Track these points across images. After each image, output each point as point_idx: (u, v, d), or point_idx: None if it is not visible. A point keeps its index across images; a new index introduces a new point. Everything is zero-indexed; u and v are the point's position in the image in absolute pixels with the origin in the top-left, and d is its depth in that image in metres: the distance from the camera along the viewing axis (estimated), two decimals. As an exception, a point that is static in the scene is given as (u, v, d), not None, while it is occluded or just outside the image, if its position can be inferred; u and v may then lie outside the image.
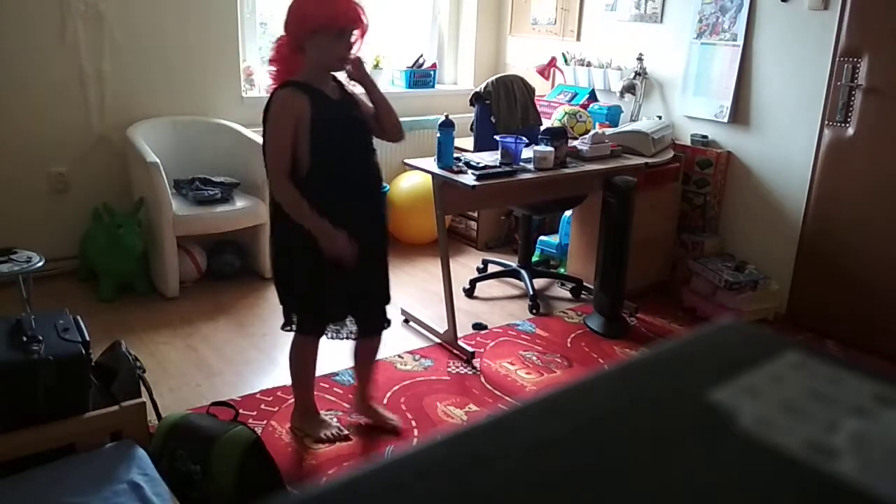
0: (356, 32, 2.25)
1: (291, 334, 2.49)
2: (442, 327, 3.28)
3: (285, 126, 2.17)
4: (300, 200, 2.19)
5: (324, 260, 2.25)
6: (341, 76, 2.38)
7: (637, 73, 4.15)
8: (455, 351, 3.21)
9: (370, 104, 2.41)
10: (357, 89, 2.42)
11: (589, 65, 4.48)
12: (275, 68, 2.30)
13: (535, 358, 3.22)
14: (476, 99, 3.89)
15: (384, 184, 2.56)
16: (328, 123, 2.22)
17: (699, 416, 0.35)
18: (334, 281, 2.31)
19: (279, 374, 2.96)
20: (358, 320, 2.49)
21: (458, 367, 3.10)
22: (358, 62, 2.31)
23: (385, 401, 2.80)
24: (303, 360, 2.52)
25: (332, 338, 2.50)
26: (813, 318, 3.56)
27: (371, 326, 2.55)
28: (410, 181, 4.43)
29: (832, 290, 3.47)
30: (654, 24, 4.12)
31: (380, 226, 2.50)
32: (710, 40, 3.85)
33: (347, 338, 2.53)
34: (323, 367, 3.00)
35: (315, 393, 2.64)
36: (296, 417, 2.59)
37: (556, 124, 3.90)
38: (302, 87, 2.20)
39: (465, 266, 4.25)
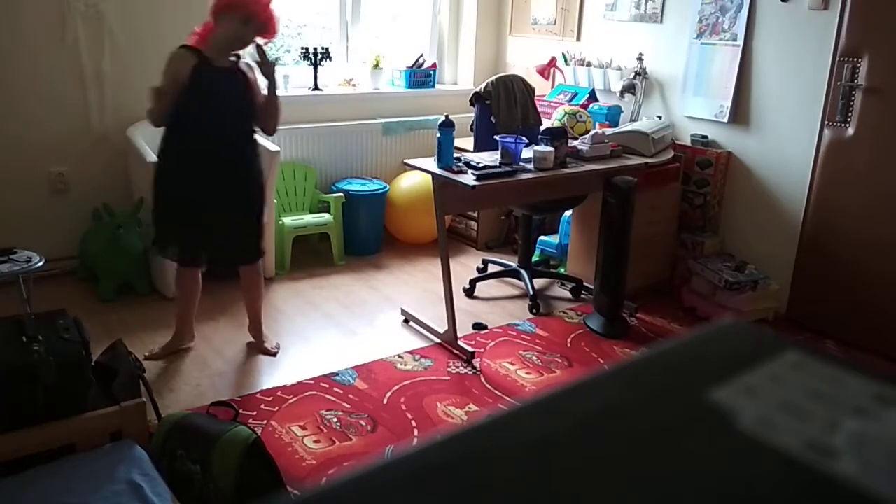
0: (262, 28, 2.69)
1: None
2: (442, 327, 3.28)
3: (166, 76, 2.69)
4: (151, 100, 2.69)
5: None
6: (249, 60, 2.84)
7: (637, 73, 4.15)
8: (455, 351, 3.21)
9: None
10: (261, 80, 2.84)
11: (589, 65, 4.48)
12: (195, 37, 2.78)
13: (535, 358, 3.22)
14: (476, 99, 3.89)
15: (252, 161, 2.91)
16: (202, 86, 2.67)
17: (699, 416, 0.35)
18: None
19: (279, 374, 2.96)
20: (217, 259, 3.07)
21: (458, 367, 3.10)
22: (262, 51, 2.76)
23: (385, 401, 2.80)
24: (179, 284, 3.07)
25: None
26: (813, 318, 3.56)
27: (191, 261, 2.98)
28: (410, 181, 4.43)
29: (832, 290, 3.47)
30: (654, 24, 4.12)
31: (229, 189, 2.84)
32: (710, 40, 3.85)
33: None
34: (323, 366, 3.01)
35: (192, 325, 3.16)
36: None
37: (556, 124, 3.89)
38: (193, 52, 2.70)
39: (465, 266, 4.25)
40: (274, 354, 3.12)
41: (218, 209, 2.84)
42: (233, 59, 2.77)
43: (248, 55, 2.83)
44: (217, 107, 2.74)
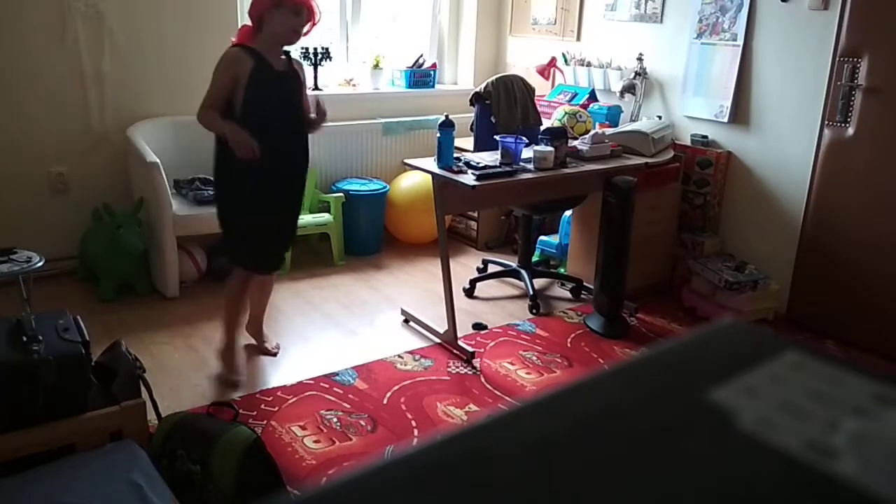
0: (310, 14, 2.68)
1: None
2: (442, 327, 3.28)
3: (224, 76, 2.60)
4: (214, 116, 2.58)
5: (254, 210, 2.75)
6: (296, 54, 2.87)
7: (637, 73, 4.15)
8: (455, 351, 3.21)
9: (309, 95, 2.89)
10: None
11: (589, 65, 4.48)
12: (236, 37, 2.75)
13: (535, 358, 3.22)
14: (476, 99, 3.89)
15: (309, 160, 2.89)
16: (263, 87, 2.62)
17: (699, 416, 0.35)
18: (266, 228, 2.83)
19: (279, 374, 2.96)
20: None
21: (458, 367, 3.10)
22: (317, 101, 2.84)
23: (385, 401, 2.80)
24: (239, 295, 2.96)
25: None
26: (813, 318, 3.56)
27: (275, 266, 3.04)
28: (410, 181, 4.43)
29: (832, 290, 3.47)
30: (654, 24, 4.12)
31: (296, 190, 2.89)
32: (710, 40, 3.85)
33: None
34: (323, 366, 3.01)
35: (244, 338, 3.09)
36: (223, 349, 2.96)
37: (556, 124, 3.89)
38: (249, 51, 2.63)
39: (465, 266, 4.25)
40: (274, 354, 3.11)
41: (285, 213, 2.88)
42: (283, 57, 2.72)
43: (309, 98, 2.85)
44: (279, 110, 2.69)
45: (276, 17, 2.62)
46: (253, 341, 3.17)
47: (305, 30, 2.72)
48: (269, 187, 2.74)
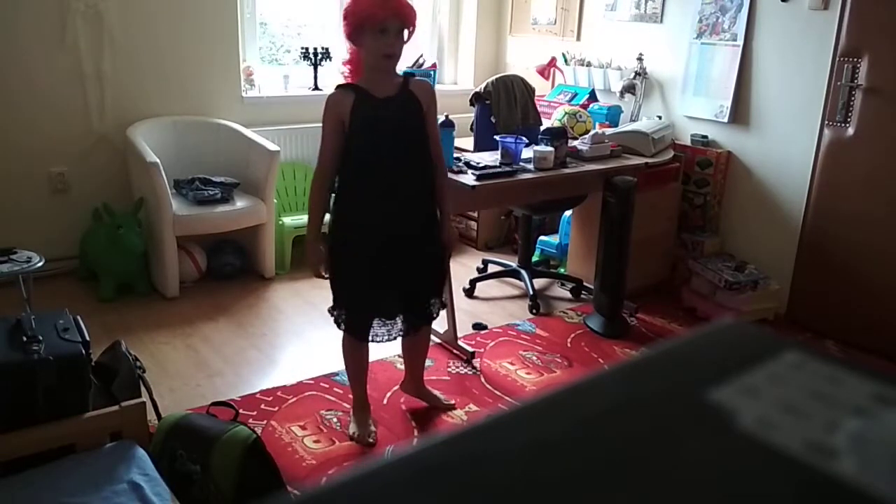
0: (401, 25, 2.23)
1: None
2: (442, 327, 3.28)
3: (327, 124, 2.31)
4: (317, 196, 2.40)
5: (361, 259, 2.39)
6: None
7: (637, 73, 4.15)
8: (455, 351, 3.21)
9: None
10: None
11: (589, 65, 4.48)
12: (347, 69, 2.40)
13: (535, 358, 3.22)
14: (476, 99, 3.89)
15: (434, 212, 2.49)
16: (364, 122, 2.28)
17: (699, 416, 0.35)
18: (371, 280, 2.43)
19: (279, 374, 2.96)
20: (404, 318, 2.55)
21: (458, 367, 3.10)
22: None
23: (385, 401, 2.80)
24: (350, 357, 2.62)
25: (381, 340, 2.56)
26: (813, 318, 3.56)
27: (414, 321, 2.59)
28: (410, 181, 4.42)
29: (832, 290, 3.47)
30: (654, 24, 4.12)
31: (419, 225, 2.44)
32: (710, 40, 3.85)
33: (396, 337, 2.59)
34: (323, 366, 3.01)
35: (343, 390, 2.76)
36: (353, 405, 2.66)
37: (556, 124, 3.89)
38: (350, 88, 2.31)
39: (465, 266, 4.25)
40: (453, 406, 2.79)
41: (388, 275, 2.44)
42: (398, 81, 2.34)
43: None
44: (386, 143, 2.30)
45: (364, 42, 2.24)
46: (416, 399, 2.81)
47: (405, 39, 2.27)
48: (369, 239, 2.39)
